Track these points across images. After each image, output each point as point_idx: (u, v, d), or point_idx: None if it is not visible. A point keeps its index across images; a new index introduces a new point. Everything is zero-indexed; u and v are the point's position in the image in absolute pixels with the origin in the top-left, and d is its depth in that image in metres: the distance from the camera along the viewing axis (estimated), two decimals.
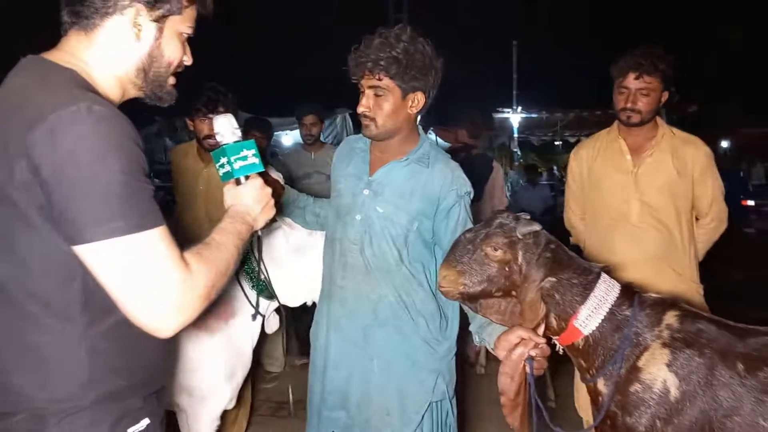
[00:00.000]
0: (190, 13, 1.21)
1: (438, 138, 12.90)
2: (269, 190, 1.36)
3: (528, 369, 1.59)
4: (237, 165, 1.31)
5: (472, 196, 1.91)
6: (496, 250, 1.54)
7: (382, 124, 1.82)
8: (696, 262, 2.38)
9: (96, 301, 1.05)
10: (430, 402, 1.90)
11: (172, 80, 1.24)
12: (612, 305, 1.54)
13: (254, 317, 2.12)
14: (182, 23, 1.20)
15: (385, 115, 1.81)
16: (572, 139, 16.67)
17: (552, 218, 6.89)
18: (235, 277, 2.14)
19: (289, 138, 9.68)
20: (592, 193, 2.48)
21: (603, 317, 1.53)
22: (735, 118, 17.18)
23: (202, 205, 2.81)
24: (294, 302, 2.27)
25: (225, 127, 1.35)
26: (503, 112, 12.78)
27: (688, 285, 2.29)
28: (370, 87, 1.80)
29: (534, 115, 13.72)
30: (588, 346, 1.56)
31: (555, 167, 13.14)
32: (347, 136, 8.87)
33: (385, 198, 1.86)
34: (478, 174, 3.60)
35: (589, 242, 2.46)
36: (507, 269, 1.56)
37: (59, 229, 1.00)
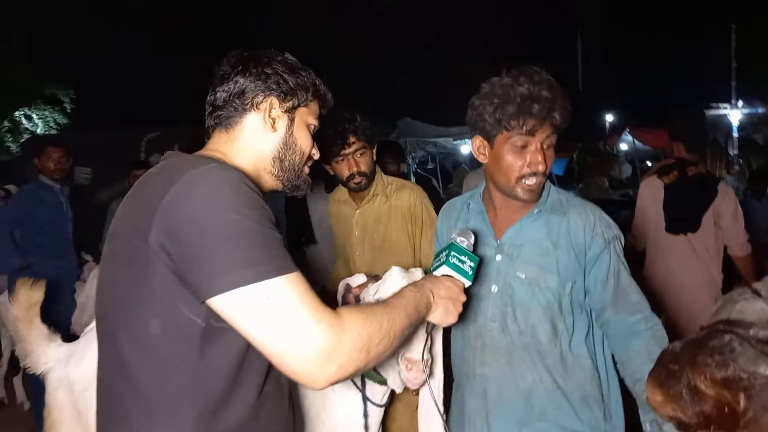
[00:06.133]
0: (314, 107, 1.32)
1: (636, 140, 11.35)
2: (464, 298, 1.35)
3: None
4: (452, 260, 1.37)
5: (623, 241, 1.64)
6: (708, 387, 1.17)
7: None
8: None
9: (204, 391, 1.06)
10: None
11: (306, 169, 1.33)
12: None
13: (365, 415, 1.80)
14: (308, 115, 1.31)
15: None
16: None
17: None
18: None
19: None
20: None
21: None
22: None
23: (357, 248, 2.56)
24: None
25: (464, 235, 1.46)
26: (718, 107, 10.89)
27: None
28: None
29: (759, 110, 11.47)
30: None
31: None
32: None
33: (525, 260, 1.60)
34: (693, 201, 3.08)
35: None
36: (727, 410, 1.17)
37: (191, 285, 1.01)
